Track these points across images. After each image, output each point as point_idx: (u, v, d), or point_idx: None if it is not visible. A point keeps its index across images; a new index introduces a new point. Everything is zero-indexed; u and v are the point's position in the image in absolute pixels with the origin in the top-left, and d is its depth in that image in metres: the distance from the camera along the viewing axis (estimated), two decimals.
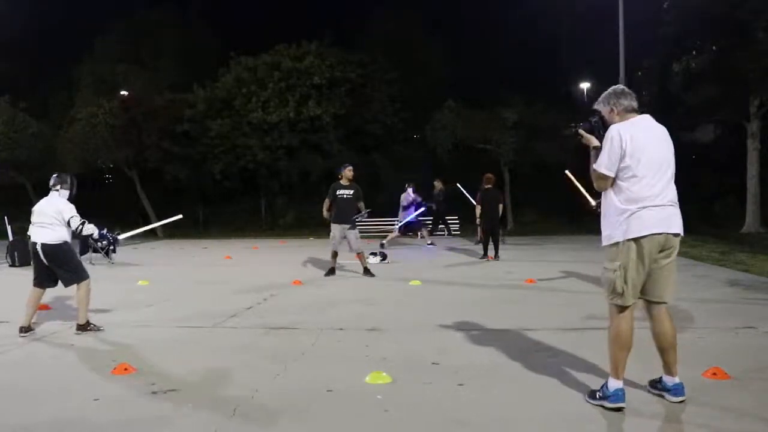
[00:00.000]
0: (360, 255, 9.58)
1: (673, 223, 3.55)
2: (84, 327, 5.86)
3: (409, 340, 5.37)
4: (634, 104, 3.66)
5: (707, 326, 5.57)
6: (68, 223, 5.82)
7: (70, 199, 6.06)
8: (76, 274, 5.92)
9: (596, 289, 7.76)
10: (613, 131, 3.55)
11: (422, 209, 14.94)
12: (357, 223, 9.56)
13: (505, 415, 3.58)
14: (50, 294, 8.05)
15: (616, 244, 3.54)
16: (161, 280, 9.62)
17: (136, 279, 9.58)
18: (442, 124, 21.84)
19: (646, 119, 3.67)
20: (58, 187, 6.00)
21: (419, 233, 16.26)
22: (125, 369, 4.43)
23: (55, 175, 6.11)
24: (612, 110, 3.68)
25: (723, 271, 9.66)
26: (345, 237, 9.34)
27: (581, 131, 3.81)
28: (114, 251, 12.63)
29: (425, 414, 3.58)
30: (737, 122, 17.94)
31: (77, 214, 5.87)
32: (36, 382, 4.31)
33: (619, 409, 3.53)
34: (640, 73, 18.61)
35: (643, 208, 3.47)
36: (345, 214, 9.33)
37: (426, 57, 26.41)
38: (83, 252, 12.50)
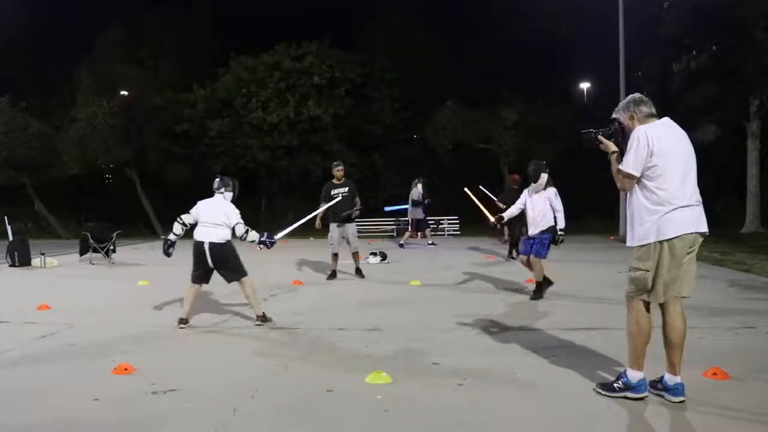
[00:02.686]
0: (355, 255, 9.49)
1: (702, 222, 3.70)
2: (263, 318, 6.09)
3: (409, 340, 5.36)
4: (653, 110, 3.80)
5: (707, 326, 5.57)
6: (233, 228, 5.99)
7: (234, 202, 6.23)
8: (238, 272, 6.10)
9: (596, 290, 7.77)
10: (639, 132, 3.67)
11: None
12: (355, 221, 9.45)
13: (505, 415, 3.58)
14: (51, 294, 8.06)
15: (648, 245, 3.65)
16: (162, 280, 9.60)
17: (136, 279, 9.58)
18: (442, 124, 21.84)
19: (669, 121, 3.80)
20: (222, 190, 6.18)
21: (423, 233, 16.22)
22: (125, 369, 4.43)
23: (218, 179, 6.29)
24: (632, 117, 3.80)
25: (723, 271, 9.66)
26: (344, 237, 9.27)
27: (600, 137, 3.91)
28: (114, 251, 12.64)
29: (425, 414, 3.58)
30: (737, 122, 17.95)
31: (242, 221, 6.06)
32: (36, 382, 4.31)
33: (642, 398, 3.68)
34: (640, 73, 18.60)
35: (674, 209, 3.59)
36: (342, 213, 9.23)
37: (426, 57, 26.39)
38: (83, 252, 12.52)
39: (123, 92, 23.07)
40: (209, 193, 6.29)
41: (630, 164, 3.65)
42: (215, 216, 5.99)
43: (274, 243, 6.33)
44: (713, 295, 7.30)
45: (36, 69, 26.54)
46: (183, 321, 6.02)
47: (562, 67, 25.14)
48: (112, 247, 12.51)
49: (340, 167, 9.48)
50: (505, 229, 12.65)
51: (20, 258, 11.87)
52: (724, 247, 12.65)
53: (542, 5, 23.85)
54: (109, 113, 21.17)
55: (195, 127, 22.85)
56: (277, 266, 11.04)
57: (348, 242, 9.31)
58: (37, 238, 18.59)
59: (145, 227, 23.43)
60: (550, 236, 7.23)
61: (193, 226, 6.09)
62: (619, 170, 3.73)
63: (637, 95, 3.91)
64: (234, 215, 6.03)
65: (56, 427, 3.50)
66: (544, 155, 20.29)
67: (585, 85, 27.79)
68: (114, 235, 12.56)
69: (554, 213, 7.22)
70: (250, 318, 6.37)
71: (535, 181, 7.32)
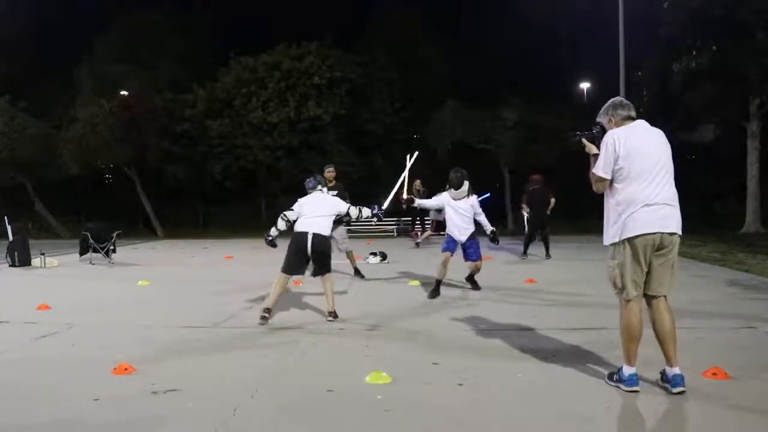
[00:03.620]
0: (349, 255, 9.35)
1: (669, 223, 3.75)
2: (335, 314, 6.25)
3: (409, 340, 5.37)
4: (632, 113, 3.93)
5: (707, 326, 5.58)
6: (347, 213, 6.46)
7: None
8: (327, 266, 6.33)
9: (595, 289, 7.77)
10: (608, 136, 3.84)
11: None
12: (350, 223, 9.33)
13: (505, 415, 3.59)
14: (51, 294, 8.06)
15: (615, 243, 3.83)
16: (161, 280, 9.62)
17: (136, 279, 9.57)
18: (442, 124, 21.83)
19: (641, 124, 3.93)
20: (319, 187, 6.53)
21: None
22: (125, 369, 4.43)
23: (311, 179, 6.62)
24: (611, 120, 3.96)
25: (723, 271, 9.66)
26: (332, 238, 9.16)
27: (584, 140, 4.07)
28: (114, 251, 12.64)
29: (425, 414, 3.59)
30: (737, 122, 17.94)
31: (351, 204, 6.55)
32: (36, 382, 4.31)
33: (634, 392, 3.78)
34: (640, 73, 18.59)
35: (637, 209, 3.71)
36: None
37: (426, 56, 26.38)
38: (83, 252, 12.51)
39: (123, 92, 23.05)
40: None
41: (600, 167, 3.82)
42: (323, 209, 6.28)
43: (383, 213, 6.80)
44: (713, 295, 7.31)
45: (36, 69, 26.51)
46: (267, 311, 6.05)
47: (562, 67, 25.14)
48: (112, 247, 12.51)
49: (330, 169, 9.34)
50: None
51: (20, 258, 11.87)
52: (724, 247, 12.66)
53: (542, 5, 23.84)
54: (109, 113, 21.14)
55: (195, 127, 22.84)
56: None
57: (335, 243, 9.20)
58: (37, 238, 18.59)
59: (145, 227, 23.42)
60: (477, 239, 7.83)
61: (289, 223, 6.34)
62: (592, 173, 3.90)
63: (617, 99, 4.07)
64: (343, 204, 6.47)
65: (56, 427, 3.50)
66: (544, 155, 20.44)
67: (585, 85, 27.79)
68: (114, 235, 12.55)
69: (477, 218, 7.75)
70: (250, 318, 6.38)
71: (457, 189, 7.67)
